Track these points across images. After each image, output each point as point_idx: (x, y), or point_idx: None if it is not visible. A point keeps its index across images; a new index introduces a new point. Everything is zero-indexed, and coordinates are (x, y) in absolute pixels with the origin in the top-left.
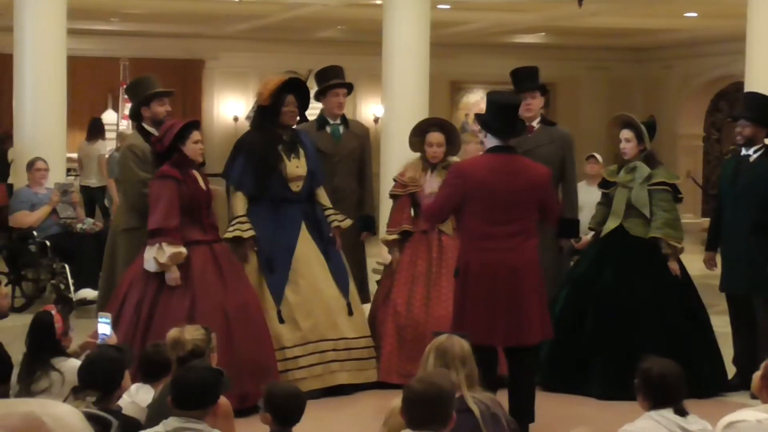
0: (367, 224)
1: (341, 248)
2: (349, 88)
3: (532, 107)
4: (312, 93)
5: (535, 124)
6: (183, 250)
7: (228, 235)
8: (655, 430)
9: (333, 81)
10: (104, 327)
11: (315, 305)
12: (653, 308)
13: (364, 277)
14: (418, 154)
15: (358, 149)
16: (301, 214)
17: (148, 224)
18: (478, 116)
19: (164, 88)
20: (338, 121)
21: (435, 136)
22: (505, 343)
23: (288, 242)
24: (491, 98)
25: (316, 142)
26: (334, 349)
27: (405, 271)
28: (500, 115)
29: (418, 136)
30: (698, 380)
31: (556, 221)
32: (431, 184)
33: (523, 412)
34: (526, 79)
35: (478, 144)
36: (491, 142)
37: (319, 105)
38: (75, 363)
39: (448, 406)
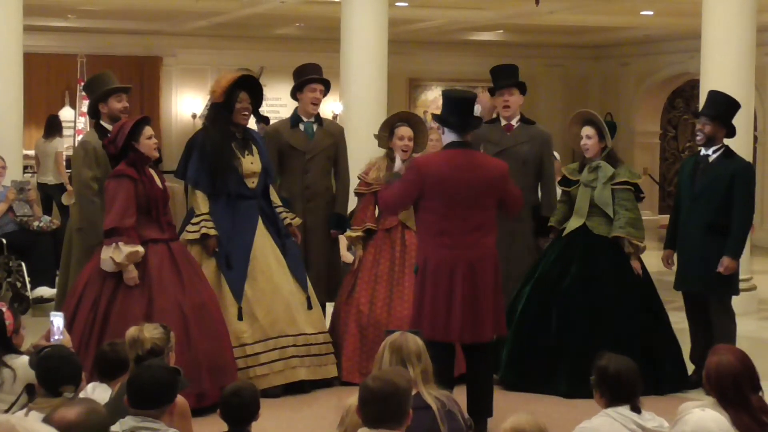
0: (338, 223)
1: (300, 244)
2: (327, 85)
3: (510, 104)
4: (283, 90)
5: (515, 122)
6: (140, 248)
7: (194, 235)
8: (612, 427)
9: (309, 76)
10: (58, 327)
11: (274, 301)
12: (618, 307)
13: (337, 276)
14: (381, 153)
15: (332, 147)
16: (257, 210)
17: (104, 224)
18: (435, 115)
19: (122, 84)
20: (312, 120)
21: (405, 130)
22: (461, 339)
23: (245, 238)
24: (446, 94)
25: (288, 140)
26: (294, 345)
27: (368, 270)
28: (456, 110)
29: (386, 131)
30: (661, 377)
31: (516, 215)
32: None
33: (482, 407)
34: (504, 76)
35: (436, 141)
36: (448, 138)
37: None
38: (27, 360)
39: (404, 403)
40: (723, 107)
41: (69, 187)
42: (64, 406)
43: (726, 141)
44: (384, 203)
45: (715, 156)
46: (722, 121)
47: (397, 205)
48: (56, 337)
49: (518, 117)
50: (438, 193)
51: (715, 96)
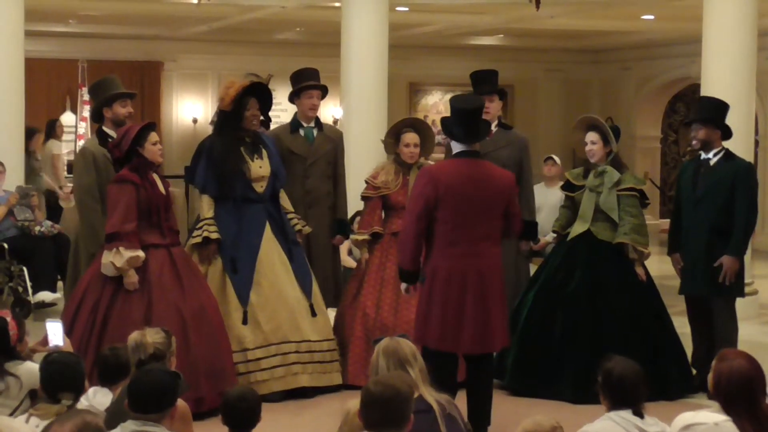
0: (340, 228)
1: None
2: (324, 90)
3: (490, 110)
4: (284, 94)
5: (493, 127)
6: (140, 253)
7: (197, 239)
8: (614, 431)
9: (306, 83)
10: (55, 334)
11: (278, 307)
12: (623, 312)
13: (338, 281)
14: (387, 157)
15: (332, 152)
16: (265, 214)
17: (106, 228)
18: (442, 120)
19: (127, 90)
20: (312, 124)
21: (411, 137)
22: (469, 350)
23: (252, 243)
24: (452, 104)
25: (289, 145)
26: (296, 351)
27: (374, 273)
28: (462, 121)
29: (393, 137)
30: (667, 383)
31: (517, 234)
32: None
33: (482, 415)
34: (484, 82)
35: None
36: (457, 147)
37: (293, 107)
38: (31, 366)
39: (405, 408)
40: (712, 110)
41: (66, 189)
42: (57, 421)
43: (727, 144)
44: (403, 235)
45: (716, 159)
46: (714, 123)
47: (413, 224)
48: (53, 344)
49: (496, 122)
50: (449, 201)
51: (706, 100)
